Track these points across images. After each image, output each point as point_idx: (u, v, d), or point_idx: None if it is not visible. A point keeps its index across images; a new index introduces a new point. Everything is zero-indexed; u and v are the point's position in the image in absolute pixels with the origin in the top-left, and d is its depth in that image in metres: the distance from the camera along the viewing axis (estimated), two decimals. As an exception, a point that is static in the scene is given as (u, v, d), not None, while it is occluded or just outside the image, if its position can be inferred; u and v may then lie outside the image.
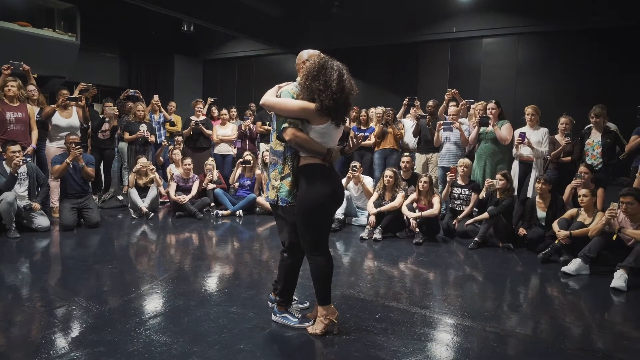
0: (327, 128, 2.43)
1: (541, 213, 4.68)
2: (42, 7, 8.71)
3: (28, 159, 4.80)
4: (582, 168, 4.60)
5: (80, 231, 4.93)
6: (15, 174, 4.57)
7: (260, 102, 2.50)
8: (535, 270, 4.06)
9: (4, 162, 4.65)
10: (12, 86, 4.98)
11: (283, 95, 2.48)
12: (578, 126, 5.35)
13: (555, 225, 4.30)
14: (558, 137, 5.14)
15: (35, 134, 5.19)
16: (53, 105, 5.40)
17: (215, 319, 2.76)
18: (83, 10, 8.82)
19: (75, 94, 5.61)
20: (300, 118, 2.42)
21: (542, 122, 5.30)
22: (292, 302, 2.83)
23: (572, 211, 4.43)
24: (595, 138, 4.95)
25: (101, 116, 6.16)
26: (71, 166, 4.93)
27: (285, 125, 2.40)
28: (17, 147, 4.60)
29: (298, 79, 2.53)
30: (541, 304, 3.30)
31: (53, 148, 5.39)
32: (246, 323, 2.71)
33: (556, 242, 4.20)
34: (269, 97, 2.49)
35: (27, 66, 5.42)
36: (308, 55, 2.56)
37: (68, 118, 5.44)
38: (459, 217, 5.07)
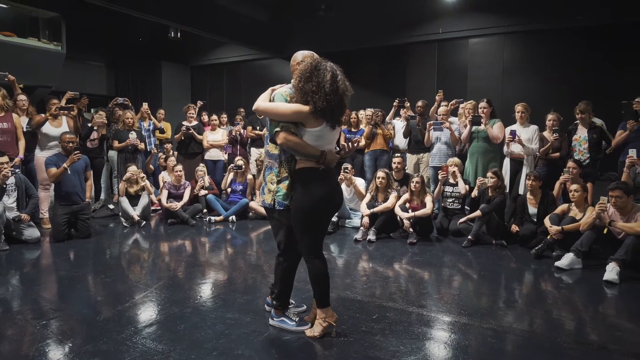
0: (322, 130, 2.41)
1: (532, 209, 4.72)
2: (26, 16, 8.58)
3: (17, 170, 4.73)
4: (570, 163, 4.66)
5: (72, 241, 4.85)
6: (4, 186, 4.49)
7: (253, 108, 2.47)
8: (529, 266, 4.09)
9: (-9, 173, 4.57)
10: None
11: (276, 99, 2.47)
12: (566, 123, 5.42)
13: (547, 221, 4.35)
14: (546, 133, 5.20)
15: (22, 144, 5.11)
16: (44, 115, 5.35)
17: (212, 325, 2.74)
18: (68, 18, 8.72)
19: (63, 103, 5.55)
20: (295, 121, 2.41)
21: (530, 120, 5.36)
22: (290, 306, 2.82)
23: (563, 207, 4.48)
24: (581, 134, 5.02)
25: (89, 125, 6.09)
26: (68, 171, 4.83)
27: (277, 129, 2.39)
28: (4, 159, 4.53)
29: (293, 81, 2.51)
30: (536, 299, 3.33)
31: (43, 158, 5.32)
32: (243, 328, 2.70)
33: (548, 237, 4.25)
34: (262, 102, 2.47)
35: (12, 77, 5.36)
36: (302, 57, 2.55)
37: (58, 127, 5.40)
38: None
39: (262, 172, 2.66)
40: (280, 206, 2.50)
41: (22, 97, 5.41)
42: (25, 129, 5.23)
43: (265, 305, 2.93)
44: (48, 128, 5.35)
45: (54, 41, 8.65)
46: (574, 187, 4.34)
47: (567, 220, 4.23)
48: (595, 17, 7.54)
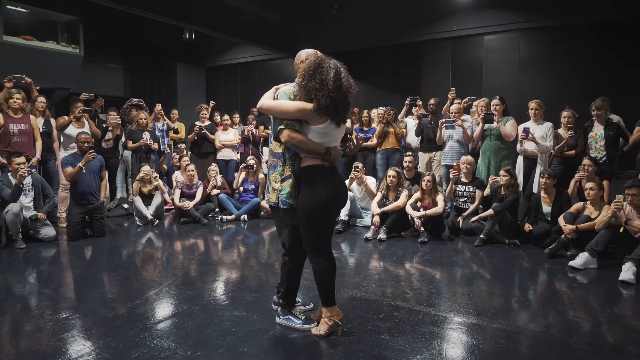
0: (327, 128, 2.40)
1: (546, 208, 4.63)
2: (45, 20, 8.80)
3: (33, 170, 4.84)
4: (585, 161, 4.55)
5: (87, 240, 4.95)
6: (21, 185, 4.61)
7: (257, 106, 2.49)
8: (543, 266, 4.01)
9: (9, 173, 4.70)
10: (17, 98, 5.04)
11: (280, 97, 2.47)
12: (582, 120, 5.30)
13: (561, 220, 4.26)
14: (561, 131, 5.09)
15: (39, 144, 5.24)
16: (66, 117, 5.51)
17: (219, 322, 2.76)
18: (86, 22, 8.91)
19: (80, 105, 5.68)
20: (299, 119, 2.41)
21: (546, 117, 5.26)
22: (296, 304, 2.82)
23: (578, 205, 4.39)
24: (598, 131, 4.90)
25: (104, 125, 6.21)
26: (84, 170, 4.92)
27: (281, 127, 2.38)
28: (22, 159, 4.65)
29: (297, 79, 2.51)
30: (549, 300, 3.27)
31: None
32: (250, 326, 2.71)
33: (563, 236, 4.16)
34: (266, 100, 2.48)
35: (29, 79, 5.49)
36: (306, 55, 2.54)
37: (81, 129, 5.54)
38: (464, 214, 5.04)
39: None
40: (284, 205, 2.49)
41: (42, 99, 5.55)
42: (41, 130, 5.36)
43: (272, 304, 2.94)
44: (71, 129, 5.52)
45: (72, 44, 8.84)
46: (589, 185, 4.24)
47: (582, 219, 4.14)
48: (612, 12, 7.35)
